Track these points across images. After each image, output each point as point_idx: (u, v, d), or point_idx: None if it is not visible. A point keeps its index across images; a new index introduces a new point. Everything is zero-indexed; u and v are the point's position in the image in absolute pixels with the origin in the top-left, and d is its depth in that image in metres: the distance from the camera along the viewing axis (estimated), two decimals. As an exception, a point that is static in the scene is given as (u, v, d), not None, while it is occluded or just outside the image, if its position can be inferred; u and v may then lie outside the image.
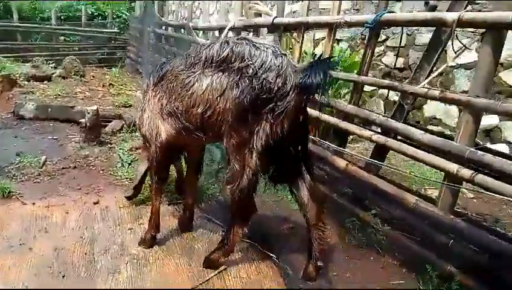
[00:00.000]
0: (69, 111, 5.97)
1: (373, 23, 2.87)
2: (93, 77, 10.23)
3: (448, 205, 2.36)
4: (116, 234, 3.09)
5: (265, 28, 4.65)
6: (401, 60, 5.74)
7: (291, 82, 2.13)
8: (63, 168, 4.23)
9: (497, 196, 2.03)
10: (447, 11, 2.52)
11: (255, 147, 2.24)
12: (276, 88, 2.13)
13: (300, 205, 2.59)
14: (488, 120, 4.42)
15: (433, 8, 2.66)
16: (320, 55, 2.18)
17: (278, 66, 2.15)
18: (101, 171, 4.27)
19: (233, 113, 2.22)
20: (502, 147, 4.34)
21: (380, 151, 3.00)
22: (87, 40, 12.56)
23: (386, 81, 2.99)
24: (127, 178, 4.09)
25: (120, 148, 4.84)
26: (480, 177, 2.11)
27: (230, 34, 5.15)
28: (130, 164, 4.44)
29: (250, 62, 2.17)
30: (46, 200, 3.53)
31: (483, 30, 2.30)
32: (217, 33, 6.13)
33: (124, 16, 13.67)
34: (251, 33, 4.99)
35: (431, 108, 5.31)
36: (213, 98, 2.27)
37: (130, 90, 8.94)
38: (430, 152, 2.51)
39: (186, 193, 3.18)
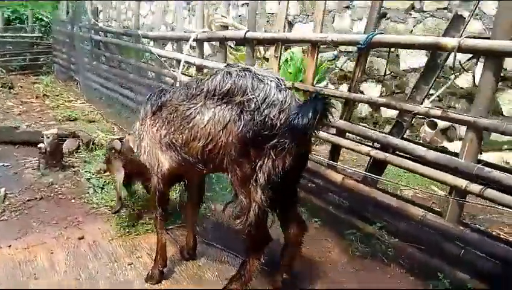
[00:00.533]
0: (13, 133, 5.38)
1: (364, 44, 3.00)
2: (21, 87, 9.34)
3: (456, 216, 2.58)
4: (116, 272, 2.89)
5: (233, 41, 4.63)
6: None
7: (296, 121, 2.02)
8: (28, 200, 3.83)
9: (507, 209, 2.27)
10: (445, 31, 2.72)
11: (258, 182, 2.18)
12: (278, 124, 2.07)
13: (284, 225, 2.60)
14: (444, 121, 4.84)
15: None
16: (317, 94, 2.14)
17: (282, 101, 2.09)
18: (73, 200, 3.94)
19: (236, 147, 2.17)
20: (458, 144, 4.80)
21: (378, 165, 3.16)
22: (4, 47, 11.34)
23: (382, 99, 3.14)
24: (105, 205, 3.83)
25: (86, 171, 4.52)
26: (489, 192, 2.34)
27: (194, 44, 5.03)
28: (102, 188, 4.16)
29: (253, 96, 2.11)
30: (22, 241, 3.18)
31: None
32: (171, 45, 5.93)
33: (45, 19, 12.59)
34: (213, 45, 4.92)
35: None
36: (215, 131, 2.21)
37: (69, 101, 8.32)
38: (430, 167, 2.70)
39: (188, 221, 3.07)
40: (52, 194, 4.00)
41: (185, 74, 5.15)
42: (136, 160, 2.89)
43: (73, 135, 5.37)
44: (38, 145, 4.30)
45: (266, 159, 2.10)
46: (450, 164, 2.56)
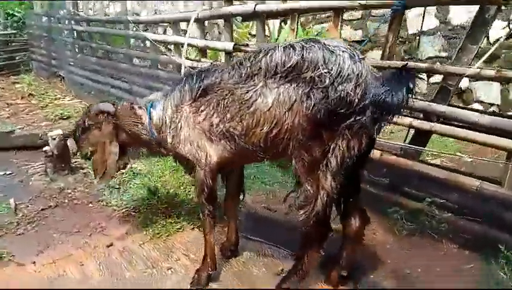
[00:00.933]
0: (7, 138, 5.03)
1: (400, 4, 2.78)
2: (2, 88, 8.85)
3: (516, 183, 2.45)
4: (157, 279, 2.69)
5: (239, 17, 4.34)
6: (360, 33, 5.83)
7: (371, 93, 1.88)
8: (42, 209, 3.56)
9: None
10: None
11: (329, 167, 2.00)
12: (356, 100, 1.87)
13: (345, 216, 2.41)
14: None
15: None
16: (405, 65, 1.94)
17: (357, 74, 1.88)
18: (90, 205, 3.69)
19: (306, 129, 1.97)
20: (476, 106, 4.68)
21: (421, 136, 2.98)
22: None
23: (423, 64, 2.93)
24: (126, 207, 3.59)
25: (96, 172, 4.24)
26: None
27: (195, 26, 4.72)
28: (119, 188, 3.91)
29: (325, 70, 1.89)
30: (46, 255, 2.94)
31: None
32: (168, 30, 5.59)
33: (17, 14, 11.89)
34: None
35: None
36: (280, 114, 1.99)
37: (57, 99, 7.90)
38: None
39: (229, 215, 2.84)
40: (66, 201, 3.74)
41: (189, 59, 4.83)
42: (135, 132, 2.65)
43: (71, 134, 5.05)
44: (44, 149, 4.00)
45: (340, 141, 1.91)
46: (507, 127, 2.40)
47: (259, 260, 2.85)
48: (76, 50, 8.38)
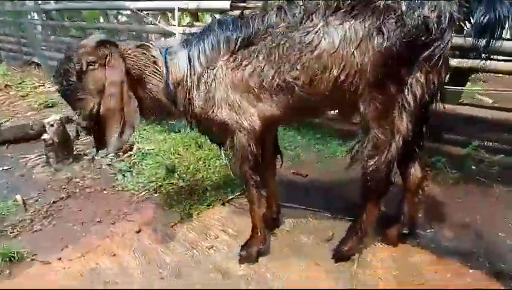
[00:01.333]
0: (-6, 131, 4.63)
1: None
2: (-28, 83, 8.21)
3: None
4: (200, 259, 2.50)
5: None
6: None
7: (447, 15, 1.70)
8: (54, 202, 3.27)
9: None
10: None
11: (406, 106, 1.83)
12: (435, 25, 1.69)
13: (406, 167, 2.24)
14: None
15: None
16: None
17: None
18: (105, 191, 3.42)
19: (378, 68, 1.77)
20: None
21: (460, 76, 2.79)
22: None
23: None
24: (144, 189, 3.34)
25: (102, 157, 3.95)
26: None
27: None
28: (130, 171, 3.65)
29: None
30: (71, 250, 2.69)
31: None
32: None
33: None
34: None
35: None
36: (347, 54, 1.78)
37: (36, 88, 7.38)
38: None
39: (268, 182, 2.55)
40: (77, 190, 3.45)
41: (181, 25, 4.48)
42: (144, 80, 2.09)
43: (68, 120, 4.67)
44: (43, 137, 3.66)
45: (419, 74, 1.75)
46: None
47: (304, 227, 2.70)
48: (49, 32, 7.79)
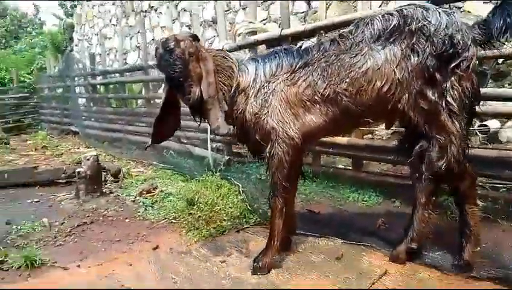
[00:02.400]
0: (31, 173, 5.00)
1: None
2: (15, 143, 8.92)
3: None
4: (213, 271, 2.57)
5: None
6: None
7: (470, 36, 2.11)
8: (77, 225, 3.46)
9: None
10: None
11: (450, 107, 2.12)
12: (460, 41, 2.08)
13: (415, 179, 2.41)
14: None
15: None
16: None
17: (453, 22, 2.12)
18: (127, 220, 3.61)
19: (418, 79, 2.13)
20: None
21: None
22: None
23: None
24: (165, 218, 3.52)
25: (127, 195, 4.20)
26: None
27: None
28: (152, 207, 3.85)
29: (426, 22, 2.11)
30: (90, 260, 2.81)
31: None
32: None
33: (27, 80, 12.39)
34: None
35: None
36: (389, 71, 2.16)
37: (71, 149, 7.95)
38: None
39: (288, 202, 2.61)
40: (101, 218, 3.65)
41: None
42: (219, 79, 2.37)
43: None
44: (77, 170, 3.99)
45: (454, 79, 2.08)
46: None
47: (315, 248, 2.78)
48: (91, 104, 8.62)
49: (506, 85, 4.88)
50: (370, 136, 5.81)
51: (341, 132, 3.24)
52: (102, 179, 4.72)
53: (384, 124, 2.68)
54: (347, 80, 2.22)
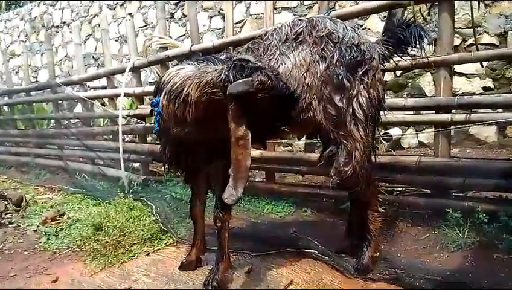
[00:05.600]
0: None
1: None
2: None
3: None
4: (116, 299, 2.43)
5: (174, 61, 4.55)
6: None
7: (374, 48, 2.21)
8: (-33, 263, 3.10)
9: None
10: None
11: (357, 114, 2.15)
12: (366, 50, 2.16)
13: None
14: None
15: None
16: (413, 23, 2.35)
17: (359, 34, 2.22)
18: (26, 252, 3.29)
19: (324, 86, 2.14)
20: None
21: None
22: None
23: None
24: (68, 247, 3.27)
25: (29, 225, 3.85)
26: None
27: (131, 75, 4.83)
28: (57, 235, 3.56)
29: (335, 30, 2.18)
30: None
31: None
32: (102, 81, 5.63)
33: None
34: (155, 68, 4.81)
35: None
36: (299, 75, 2.15)
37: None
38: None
39: (198, 220, 2.73)
40: (-5, 253, 3.30)
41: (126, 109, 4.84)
42: None
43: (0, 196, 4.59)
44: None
45: (361, 88, 2.13)
46: (431, 104, 2.77)
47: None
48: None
49: (405, 96, 5.33)
50: (290, 148, 5.98)
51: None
52: (2, 208, 4.33)
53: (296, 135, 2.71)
54: None
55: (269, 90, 1.87)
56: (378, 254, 2.49)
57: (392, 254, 2.65)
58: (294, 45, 2.19)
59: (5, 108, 7.66)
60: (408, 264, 2.47)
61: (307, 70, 2.15)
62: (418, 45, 2.25)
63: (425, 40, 2.26)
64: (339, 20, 2.27)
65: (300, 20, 2.25)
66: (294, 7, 6.44)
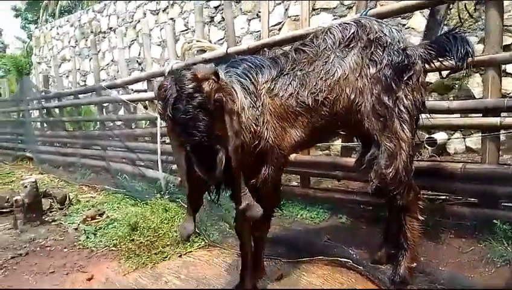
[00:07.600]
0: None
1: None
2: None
3: None
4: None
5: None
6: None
7: (417, 52, 2.17)
8: (12, 257, 3.25)
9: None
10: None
11: (403, 115, 2.13)
12: (412, 55, 2.14)
13: None
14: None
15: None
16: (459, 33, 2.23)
17: (404, 38, 2.19)
18: (65, 249, 3.41)
19: (373, 88, 2.12)
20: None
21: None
22: None
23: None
24: (105, 246, 3.35)
25: (70, 223, 4.00)
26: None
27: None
28: (95, 234, 3.67)
29: (383, 33, 2.15)
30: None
31: None
32: (144, 85, 5.78)
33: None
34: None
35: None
36: (354, 79, 2.13)
37: (22, 176, 7.57)
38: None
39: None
40: (38, 249, 3.44)
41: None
42: None
43: (44, 194, 4.81)
44: (14, 198, 3.78)
45: (407, 91, 2.12)
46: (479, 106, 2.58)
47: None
48: (45, 127, 8.32)
49: (451, 98, 5.04)
50: (327, 151, 5.84)
51: (311, 146, 3.19)
52: (48, 206, 4.53)
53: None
54: (325, 89, 2.12)
55: None
56: (415, 264, 2.33)
57: (433, 267, 2.48)
58: (347, 49, 2.16)
59: (56, 110, 8.05)
60: (450, 279, 2.31)
61: (359, 74, 2.13)
62: (461, 62, 2.16)
63: (470, 58, 2.17)
64: (385, 22, 2.23)
65: (348, 23, 2.21)
66: (334, 7, 6.28)
